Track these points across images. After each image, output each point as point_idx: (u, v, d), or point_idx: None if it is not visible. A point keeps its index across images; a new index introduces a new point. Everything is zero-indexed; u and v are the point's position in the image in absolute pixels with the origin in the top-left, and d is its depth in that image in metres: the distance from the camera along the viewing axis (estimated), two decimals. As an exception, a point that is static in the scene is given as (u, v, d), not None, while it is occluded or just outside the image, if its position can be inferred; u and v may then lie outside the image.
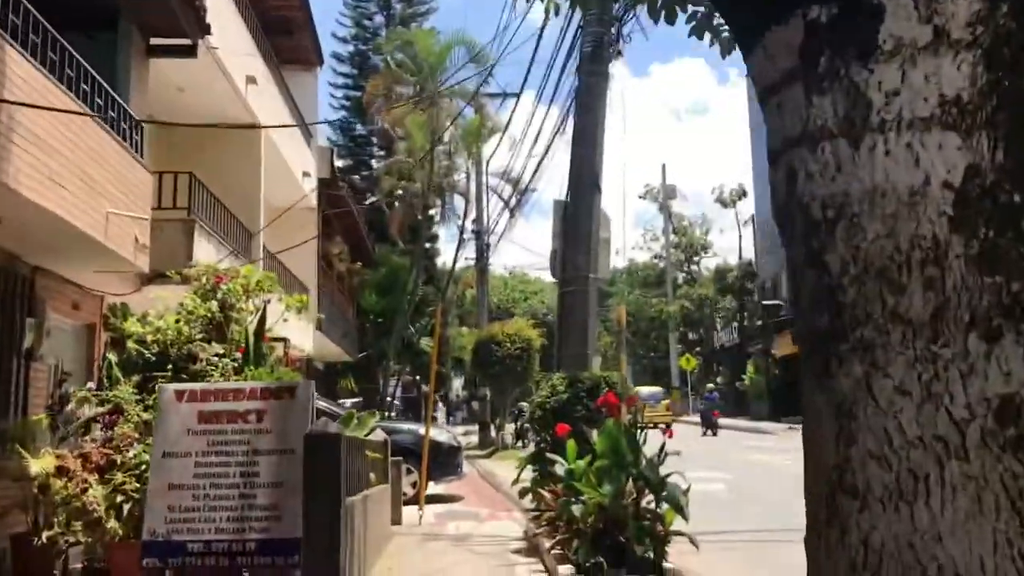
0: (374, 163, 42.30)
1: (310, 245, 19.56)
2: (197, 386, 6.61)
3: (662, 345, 63.26)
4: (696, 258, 54.61)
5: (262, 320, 8.35)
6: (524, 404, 29.92)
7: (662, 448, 6.92)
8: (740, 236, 49.74)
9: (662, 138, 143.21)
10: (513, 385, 25.48)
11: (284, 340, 8.86)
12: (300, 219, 19.75)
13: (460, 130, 27.08)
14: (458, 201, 30.94)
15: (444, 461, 13.16)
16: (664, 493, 6.60)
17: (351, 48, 45.95)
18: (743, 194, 49.69)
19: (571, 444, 7.48)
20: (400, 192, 30.33)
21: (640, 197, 53.59)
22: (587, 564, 6.34)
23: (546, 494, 8.15)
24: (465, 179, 29.24)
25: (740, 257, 49.56)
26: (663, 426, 14.62)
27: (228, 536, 5.96)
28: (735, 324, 44.76)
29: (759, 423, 34.22)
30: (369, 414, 9.27)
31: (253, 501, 6.02)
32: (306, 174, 17.92)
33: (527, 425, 29.87)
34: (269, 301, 8.76)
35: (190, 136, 14.52)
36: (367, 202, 41.52)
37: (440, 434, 13.51)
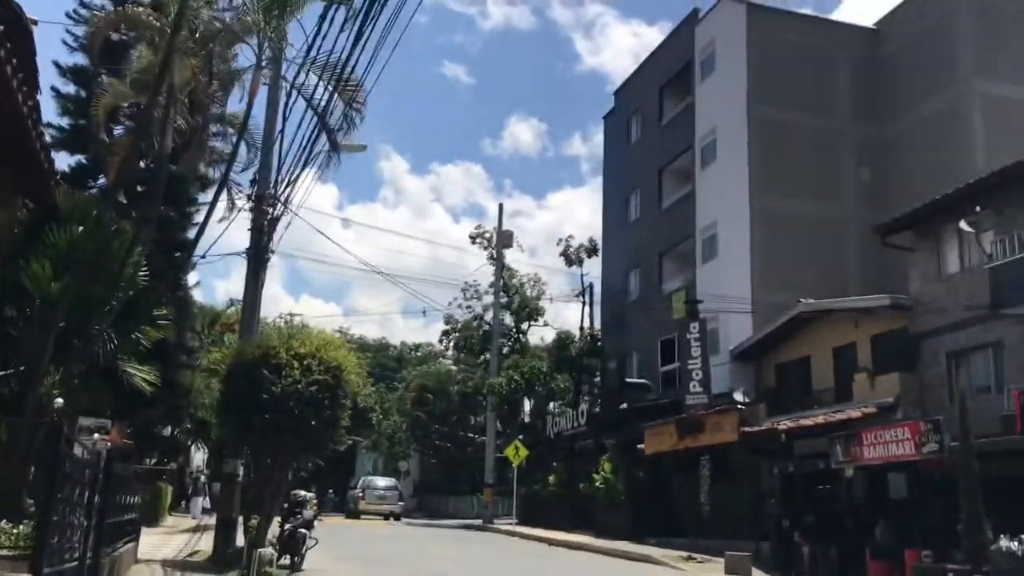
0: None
1: None
2: None
3: (458, 430, 51.78)
4: (524, 325, 44.44)
5: None
6: (302, 492, 17.23)
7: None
8: (584, 303, 40.47)
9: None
10: (298, 452, 13.17)
11: None
12: None
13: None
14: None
15: None
16: None
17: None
18: (594, 251, 40.72)
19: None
20: (129, 106, 17.56)
21: (471, 239, 42.95)
22: None
23: None
24: (247, 92, 17.13)
25: (582, 326, 40.09)
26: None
27: None
28: (582, 407, 34.46)
29: (617, 543, 23.26)
30: None
31: None
32: None
33: (304, 530, 13.95)
34: None
35: None
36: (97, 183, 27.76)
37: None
